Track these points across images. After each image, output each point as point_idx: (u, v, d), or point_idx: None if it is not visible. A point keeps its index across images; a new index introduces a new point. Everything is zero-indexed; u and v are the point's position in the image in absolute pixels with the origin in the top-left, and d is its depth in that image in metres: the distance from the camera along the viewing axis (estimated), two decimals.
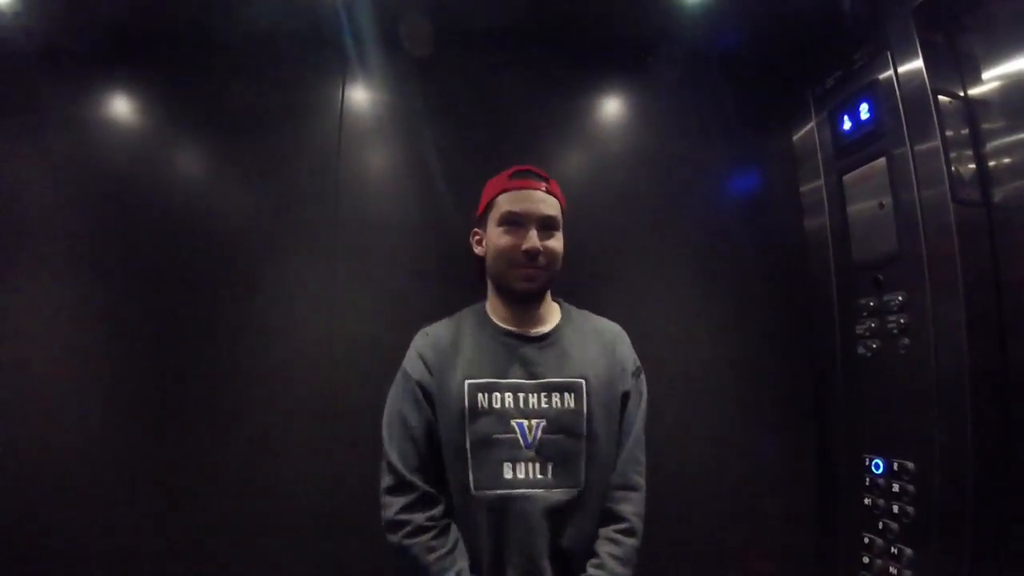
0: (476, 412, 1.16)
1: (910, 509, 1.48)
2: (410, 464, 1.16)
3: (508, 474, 1.14)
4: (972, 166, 1.45)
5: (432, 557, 1.10)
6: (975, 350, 1.37)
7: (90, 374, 1.70)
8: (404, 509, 1.13)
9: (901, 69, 1.53)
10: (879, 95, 1.60)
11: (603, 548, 1.16)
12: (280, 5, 1.70)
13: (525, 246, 1.17)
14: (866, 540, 1.61)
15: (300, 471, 1.69)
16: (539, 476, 1.15)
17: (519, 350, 1.22)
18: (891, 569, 1.52)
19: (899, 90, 1.53)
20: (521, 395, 1.18)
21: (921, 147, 1.48)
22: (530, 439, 1.16)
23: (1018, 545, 1.34)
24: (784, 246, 1.94)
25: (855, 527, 1.65)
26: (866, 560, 1.60)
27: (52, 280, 1.73)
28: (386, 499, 1.15)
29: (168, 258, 1.76)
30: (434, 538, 1.12)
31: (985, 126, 1.46)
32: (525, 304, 1.25)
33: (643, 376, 1.31)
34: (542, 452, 1.16)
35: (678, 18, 1.77)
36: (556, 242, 1.22)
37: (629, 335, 1.33)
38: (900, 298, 1.55)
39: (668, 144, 1.94)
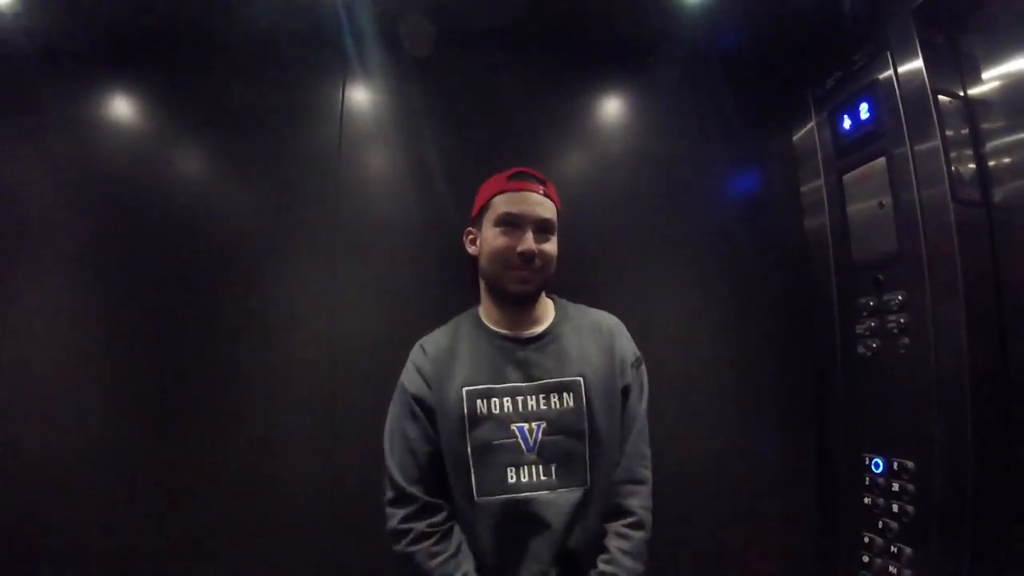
0: (475, 419, 1.16)
1: (910, 508, 1.48)
2: (410, 476, 1.16)
3: (512, 479, 1.14)
4: (972, 166, 1.46)
5: (435, 562, 1.11)
6: (975, 350, 1.37)
7: (90, 374, 1.70)
8: (406, 519, 1.14)
9: (901, 69, 1.53)
10: (879, 95, 1.60)
11: (613, 543, 1.16)
12: (280, 5, 1.70)
13: (521, 248, 1.17)
14: (866, 539, 1.61)
15: (300, 471, 1.69)
16: (543, 478, 1.15)
17: (515, 353, 1.22)
18: (891, 568, 1.52)
19: (899, 90, 1.53)
20: (519, 398, 1.18)
21: (921, 147, 1.48)
22: (531, 442, 1.16)
23: (1018, 545, 1.35)
24: (784, 246, 1.94)
25: (855, 526, 1.66)
26: (866, 559, 1.60)
27: (53, 280, 1.73)
28: (388, 510, 1.17)
29: (169, 258, 1.76)
30: (436, 543, 1.12)
31: (985, 126, 1.46)
32: (519, 306, 1.25)
33: (643, 367, 1.31)
34: (544, 454, 1.16)
35: (678, 18, 1.77)
36: (551, 245, 1.22)
37: (629, 335, 1.33)
38: (900, 298, 1.55)
39: (668, 144, 1.94)
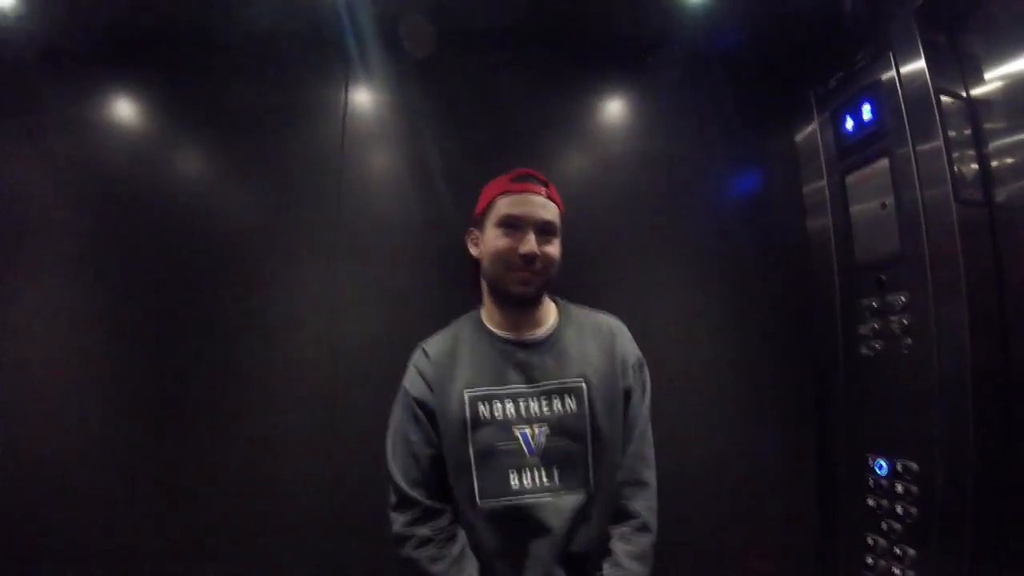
0: (478, 423, 1.15)
1: (913, 510, 1.48)
2: (412, 480, 1.16)
3: (514, 483, 1.14)
4: (974, 166, 1.45)
5: (439, 567, 1.10)
6: (978, 350, 1.37)
7: (90, 374, 1.70)
8: (408, 524, 1.13)
9: (903, 69, 1.52)
10: (881, 95, 1.59)
11: (618, 547, 1.15)
12: (282, 6, 1.70)
13: (523, 250, 1.16)
14: (869, 541, 1.60)
15: (300, 471, 1.69)
16: (546, 482, 1.15)
17: (517, 356, 1.21)
18: (894, 570, 1.51)
19: (901, 90, 1.53)
20: (521, 402, 1.17)
21: (923, 147, 1.48)
22: (533, 446, 1.15)
23: (1020, 546, 1.34)
24: (787, 246, 1.94)
25: (858, 528, 1.65)
26: (869, 561, 1.60)
27: (53, 280, 1.73)
28: (391, 515, 1.16)
29: (170, 259, 1.76)
30: (440, 548, 1.12)
31: (987, 126, 1.46)
32: (521, 308, 1.24)
33: (646, 369, 1.30)
34: (547, 458, 1.15)
35: (680, 19, 1.77)
36: (554, 247, 1.21)
37: (631, 336, 1.32)
38: (903, 298, 1.54)
39: (670, 144, 1.94)
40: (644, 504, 1.20)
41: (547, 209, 1.21)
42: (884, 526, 1.55)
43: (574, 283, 1.41)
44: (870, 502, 1.61)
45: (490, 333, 1.25)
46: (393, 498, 1.17)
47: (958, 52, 1.50)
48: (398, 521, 1.14)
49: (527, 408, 1.17)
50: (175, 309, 1.74)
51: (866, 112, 1.65)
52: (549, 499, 1.14)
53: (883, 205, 1.60)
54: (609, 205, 1.88)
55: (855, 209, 1.72)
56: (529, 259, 1.16)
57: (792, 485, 1.84)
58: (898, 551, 1.50)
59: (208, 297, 1.75)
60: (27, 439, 1.64)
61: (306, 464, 1.69)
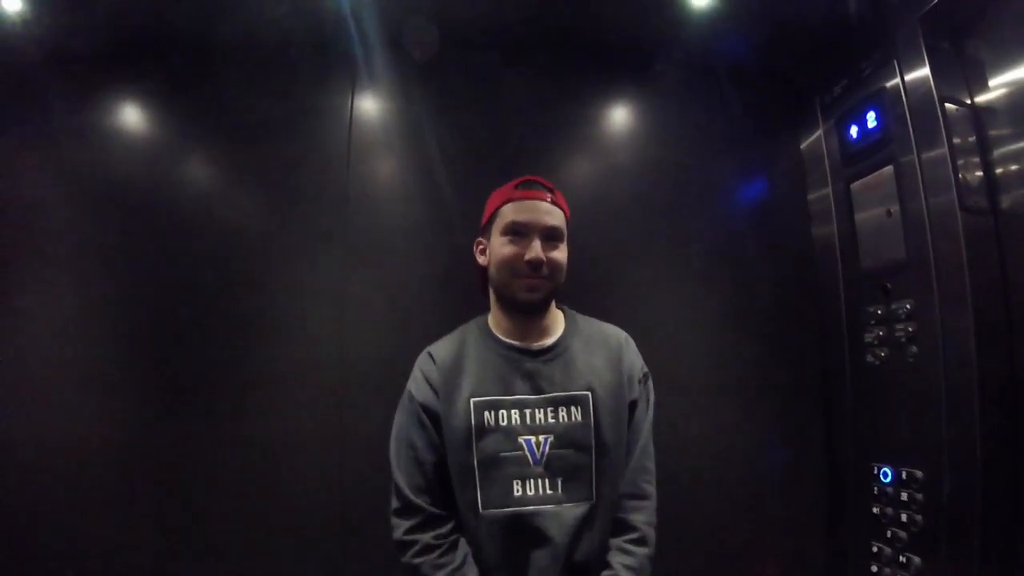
0: (483, 430, 1.15)
1: (919, 518, 1.47)
2: (416, 486, 1.15)
3: (518, 492, 1.13)
4: (979, 173, 1.45)
5: (441, 574, 1.09)
6: (983, 358, 1.36)
7: (91, 375, 1.70)
8: (411, 530, 1.13)
9: (908, 77, 1.53)
10: (886, 103, 1.60)
11: (616, 559, 1.15)
12: (289, 14, 1.71)
13: (528, 256, 1.16)
14: (875, 549, 1.59)
15: (308, 476, 1.69)
16: (549, 492, 1.14)
17: (524, 364, 1.20)
18: None
19: (906, 98, 1.54)
20: (527, 411, 1.17)
21: (928, 155, 1.48)
22: (538, 455, 1.15)
23: None
24: (792, 254, 1.94)
25: (863, 536, 1.64)
26: (874, 569, 1.58)
27: (62, 284, 1.73)
28: (394, 521, 1.15)
29: (177, 265, 1.76)
30: (442, 555, 1.11)
31: (992, 133, 1.46)
32: (528, 315, 1.23)
33: (651, 382, 1.29)
34: (551, 468, 1.15)
35: (685, 26, 1.78)
36: (560, 253, 1.21)
37: (636, 342, 1.32)
38: (908, 306, 1.54)
39: (675, 152, 1.95)
40: (644, 518, 1.19)
41: (552, 215, 1.21)
42: (889, 534, 1.54)
43: (581, 289, 1.41)
44: (875, 510, 1.60)
45: (497, 340, 1.24)
46: (396, 503, 1.16)
47: (963, 59, 1.50)
48: (401, 527, 1.14)
49: (532, 417, 1.16)
50: (184, 315, 1.73)
51: (871, 119, 1.65)
52: (552, 509, 1.13)
53: (888, 212, 1.60)
54: (614, 212, 1.88)
55: (860, 216, 1.72)
56: (535, 265, 1.16)
57: (799, 494, 1.82)
58: (903, 559, 1.49)
59: (216, 303, 1.75)
60: (27, 439, 1.63)
61: (314, 469, 1.69)
